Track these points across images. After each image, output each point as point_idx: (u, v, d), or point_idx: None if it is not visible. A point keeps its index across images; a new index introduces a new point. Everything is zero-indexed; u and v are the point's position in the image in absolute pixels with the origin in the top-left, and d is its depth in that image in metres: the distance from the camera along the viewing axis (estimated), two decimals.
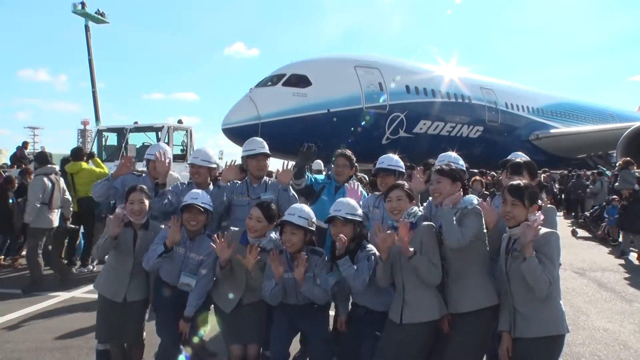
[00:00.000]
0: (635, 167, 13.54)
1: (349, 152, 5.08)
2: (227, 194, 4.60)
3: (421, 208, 3.82)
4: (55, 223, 7.77)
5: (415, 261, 3.33)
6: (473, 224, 3.39)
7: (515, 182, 3.37)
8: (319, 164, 10.38)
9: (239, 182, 4.83)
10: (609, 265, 10.24)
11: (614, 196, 13.62)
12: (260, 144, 4.78)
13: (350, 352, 3.87)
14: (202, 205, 3.99)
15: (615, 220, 12.58)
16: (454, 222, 3.34)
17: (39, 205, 7.42)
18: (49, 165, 7.89)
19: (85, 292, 7.19)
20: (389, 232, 3.45)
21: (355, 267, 3.60)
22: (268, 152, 4.79)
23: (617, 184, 12.62)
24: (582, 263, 10.24)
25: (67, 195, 8.07)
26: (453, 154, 4.63)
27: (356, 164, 5.41)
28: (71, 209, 8.23)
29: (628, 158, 15.00)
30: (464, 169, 4.49)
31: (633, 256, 10.99)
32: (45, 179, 7.65)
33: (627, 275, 9.35)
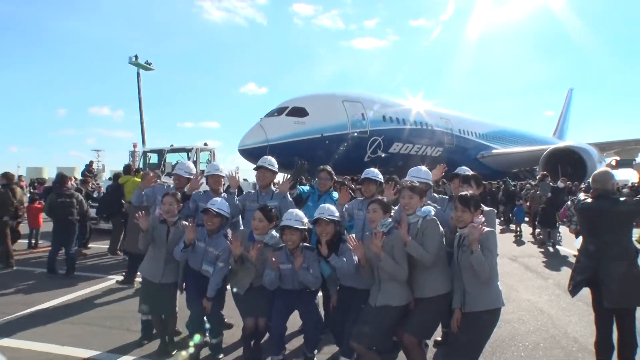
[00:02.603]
0: (549, 179, 13.81)
1: (329, 168, 4.96)
2: (241, 201, 4.53)
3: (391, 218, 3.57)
4: None
5: (383, 264, 3.32)
6: (434, 237, 3.35)
7: (463, 194, 3.33)
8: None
9: (252, 191, 4.75)
10: (533, 253, 10.36)
11: (521, 201, 14.30)
12: (265, 160, 4.65)
13: (339, 322, 3.83)
14: (216, 210, 3.95)
15: (521, 218, 13.15)
16: (421, 249, 3.28)
17: None
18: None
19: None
20: (360, 241, 3.46)
21: (344, 257, 3.58)
22: (268, 166, 4.60)
23: (538, 192, 12.78)
24: (514, 252, 10.35)
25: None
26: (424, 169, 4.37)
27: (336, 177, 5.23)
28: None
29: (545, 172, 15.45)
30: (431, 182, 4.29)
31: (549, 245, 11.11)
32: None
33: (544, 260, 9.50)
